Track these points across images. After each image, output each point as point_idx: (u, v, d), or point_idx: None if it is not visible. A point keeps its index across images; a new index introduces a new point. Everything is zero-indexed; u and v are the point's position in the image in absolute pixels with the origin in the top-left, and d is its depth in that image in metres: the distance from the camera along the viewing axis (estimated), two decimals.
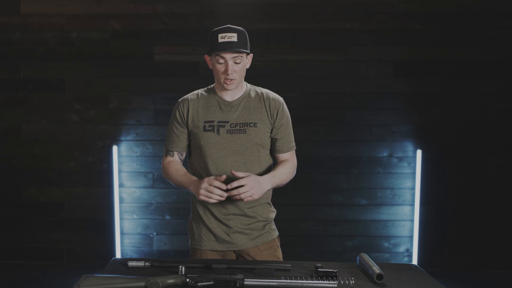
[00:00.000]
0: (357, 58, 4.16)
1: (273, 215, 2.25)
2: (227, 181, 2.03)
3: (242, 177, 1.99)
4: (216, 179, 2.00)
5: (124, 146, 4.22)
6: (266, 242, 2.20)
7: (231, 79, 2.07)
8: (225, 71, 2.06)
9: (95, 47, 4.19)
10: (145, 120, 4.21)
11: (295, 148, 2.25)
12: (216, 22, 4.11)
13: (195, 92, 2.23)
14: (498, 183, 4.13)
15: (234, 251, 2.19)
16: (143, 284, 1.64)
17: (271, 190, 2.22)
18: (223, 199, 2.00)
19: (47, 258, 4.28)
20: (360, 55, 4.15)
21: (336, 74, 4.16)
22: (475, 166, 4.14)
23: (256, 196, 2.00)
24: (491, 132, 4.12)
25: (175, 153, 2.23)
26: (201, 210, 2.18)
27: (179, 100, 2.22)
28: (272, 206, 2.28)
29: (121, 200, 4.22)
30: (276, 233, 2.26)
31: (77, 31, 4.20)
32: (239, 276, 1.66)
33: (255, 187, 1.99)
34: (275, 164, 2.24)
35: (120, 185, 4.22)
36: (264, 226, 2.20)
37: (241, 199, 1.99)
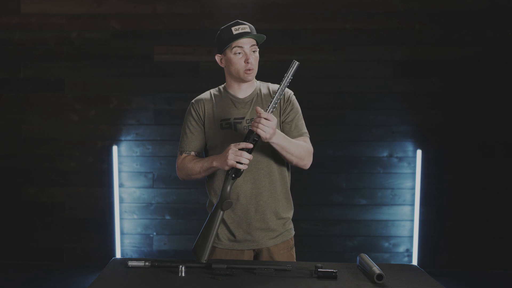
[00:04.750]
0: (357, 58, 4.16)
1: (291, 213, 2.25)
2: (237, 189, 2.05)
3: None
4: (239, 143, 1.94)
5: (124, 146, 4.22)
6: (284, 241, 2.20)
7: (250, 69, 2.09)
8: (246, 60, 2.08)
9: (95, 47, 4.19)
10: (145, 120, 4.21)
11: (308, 136, 2.19)
12: (216, 22, 4.13)
13: (207, 92, 2.22)
14: (498, 183, 4.13)
15: (254, 250, 2.17)
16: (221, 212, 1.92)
17: (288, 190, 2.23)
18: (248, 161, 1.92)
19: (47, 258, 4.28)
20: (360, 55, 4.15)
21: (336, 74, 4.16)
22: (475, 166, 4.14)
23: (266, 133, 1.90)
24: (491, 132, 4.12)
25: (193, 153, 2.16)
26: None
27: (193, 101, 2.19)
28: (292, 204, 2.26)
29: (121, 200, 4.22)
30: (293, 232, 2.26)
31: (77, 31, 4.20)
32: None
33: (272, 127, 1.91)
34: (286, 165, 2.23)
35: (120, 185, 4.22)
36: (284, 224, 2.21)
37: (255, 129, 1.90)
